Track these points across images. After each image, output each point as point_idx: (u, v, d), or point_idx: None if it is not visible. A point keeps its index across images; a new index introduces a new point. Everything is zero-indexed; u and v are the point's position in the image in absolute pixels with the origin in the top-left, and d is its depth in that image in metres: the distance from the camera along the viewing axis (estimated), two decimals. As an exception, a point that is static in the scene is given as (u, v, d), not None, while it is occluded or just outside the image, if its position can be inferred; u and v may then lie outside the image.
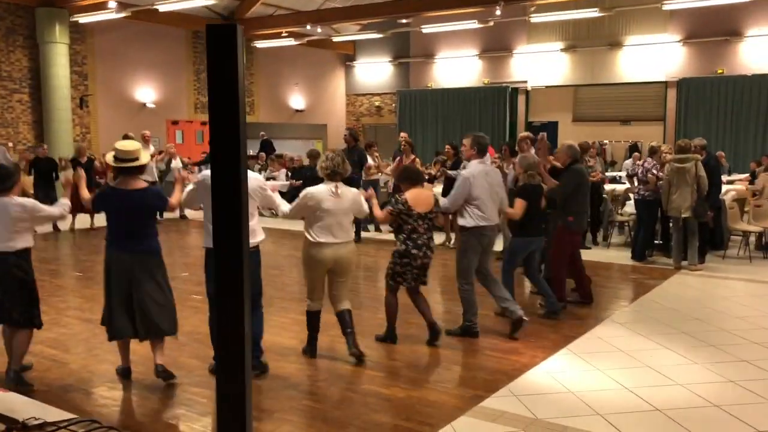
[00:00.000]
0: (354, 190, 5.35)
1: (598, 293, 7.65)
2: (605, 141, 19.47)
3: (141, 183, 4.71)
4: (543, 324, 6.25)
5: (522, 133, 9.89)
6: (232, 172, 1.86)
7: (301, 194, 5.12)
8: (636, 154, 14.36)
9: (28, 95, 15.31)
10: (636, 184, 9.55)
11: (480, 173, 5.69)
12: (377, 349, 5.52)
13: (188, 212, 13.65)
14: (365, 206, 5.36)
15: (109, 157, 4.76)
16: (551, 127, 20.50)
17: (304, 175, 11.43)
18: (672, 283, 8.03)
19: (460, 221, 5.77)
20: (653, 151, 9.57)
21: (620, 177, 14.86)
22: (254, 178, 4.87)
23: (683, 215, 8.63)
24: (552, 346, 5.60)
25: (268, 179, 14.99)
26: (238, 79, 1.80)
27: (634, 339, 5.78)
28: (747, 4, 15.26)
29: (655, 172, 9.07)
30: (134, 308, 4.63)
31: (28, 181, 13.52)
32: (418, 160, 11.61)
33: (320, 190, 5.05)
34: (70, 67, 15.53)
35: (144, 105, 17.66)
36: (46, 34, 14.94)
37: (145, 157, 4.72)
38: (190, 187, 4.94)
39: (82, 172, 5.42)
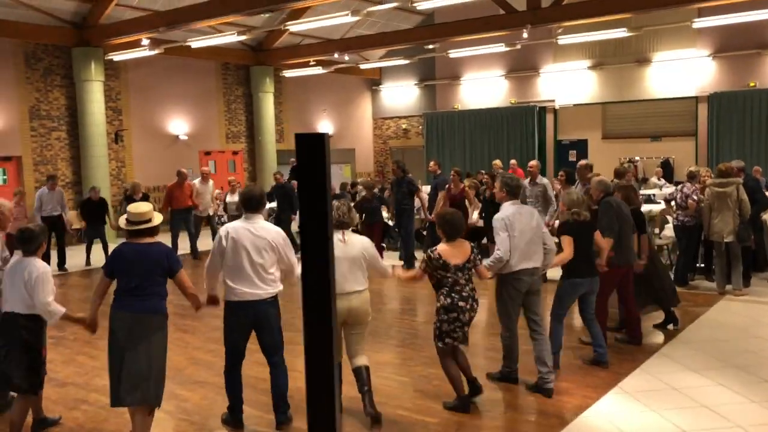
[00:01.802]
0: (364, 238, 5.18)
1: (643, 322, 7.58)
2: (636, 158, 19.32)
3: (151, 239, 4.64)
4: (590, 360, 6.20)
5: (582, 161, 9.75)
6: (322, 263, 1.93)
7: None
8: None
9: (65, 132, 15.67)
10: (675, 209, 9.46)
11: (514, 215, 5.47)
12: (428, 392, 5.52)
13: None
14: (380, 261, 5.22)
15: (122, 222, 4.73)
16: (581, 145, 20.46)
17: (364, 208, 11.27)
18: (718, 310, 7.93)
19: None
20: (692, 176, 9.44)
21: (653, 196, 14.77)
22: (276, 233, 4.92)
23: (726, 240, 8.54)
24: (602, 384, 5.57)
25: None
26: (327, 180, 1.90)
27: (685, 375, 5.72)
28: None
29: (695, 198, 8.97)
30: (127, 370, 4.40)
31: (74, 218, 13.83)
32: (467, 189, 11.61)
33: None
34: (105, 103, 15.87)
35: (177, 137, 17.96)
36: (82, 72, 15.30)
37: (157, 219, 4.72)
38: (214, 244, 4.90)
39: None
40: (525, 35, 15.12)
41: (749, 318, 7.61)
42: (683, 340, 6.77)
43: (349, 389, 5.14)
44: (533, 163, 11.16)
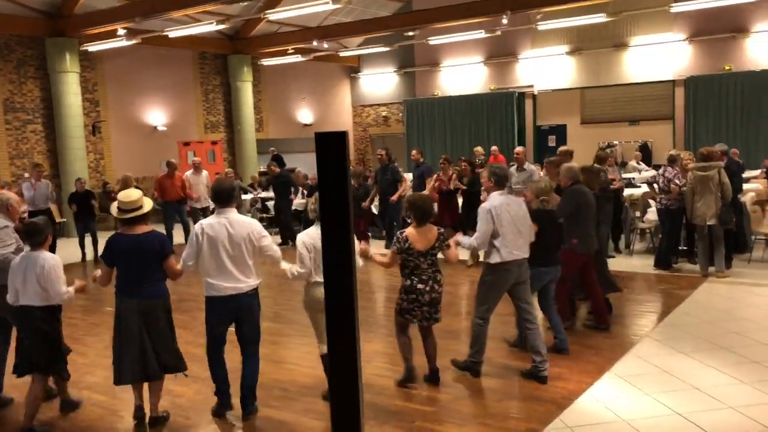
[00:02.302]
0: None
1: (630, 306, 7.71)
2: (615, 142, 19.48)
3: (145, 228, 4.83)
4: (582, 345, 6.28)
5: (562, 148, 9.77)
6: (343, 262, 1.93)
7: (299, 246, 5.02)
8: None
9: (41, 125, 15.40)
10: (657, 193, 9.57)
11: (501, 205, 5.44)
12: (421, 382, 5.55)
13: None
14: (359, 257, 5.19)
15: (113, 209, 4.89)
16: (560, 131, 20.58)
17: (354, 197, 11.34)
18: (702, 292, 8.06)
19: (486, 258, 5.54)
20: (672, 160, 9.56)
21: (634, 180, 14.93)
22: (251, 224, 4.91)
23: (708, 223, 8.66)
24: (596, 369, 5.64)
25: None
26: (348, 179, 1.88)
27: (675, 358, 5.82)
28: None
29: (677, 181, 9.09)
30: (146, 350, 4.71)
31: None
32: (454, 175, 11.65)
33: (315, 236, 4.95)
34: (82, 95, 15.61)
35: (155, 128, 17.75)
36: (57, 63, 15.02)
37: (148, 205, 4.86)
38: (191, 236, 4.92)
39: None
40: (505, 21, 15.17)
41: (733, 300, 7.74)
42: (671, 323, 6.88)
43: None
44: (519, 149, 11.24)
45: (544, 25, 16.07)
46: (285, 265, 5.20)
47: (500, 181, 5.61)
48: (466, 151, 20.21)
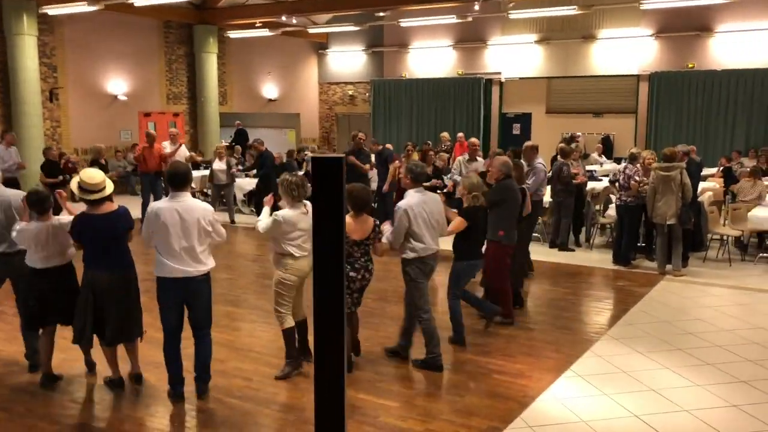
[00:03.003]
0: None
1: (589, 302, 7.86)
2: (578, 133, 19.66)
3: (111, 206, 5.02)
4: (543, 341, 6.38)
5: (527, 143, 9.84)
6: (334, 282, 1.90)
7: (275, 218, 5.24)
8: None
9: (-5, 89, 14.85)
10: (618, 189, 9.72)
11: (418, 203, 5.57)
12: (388, 375, 5.57)
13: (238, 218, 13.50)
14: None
15: (74, 185, 5.05)
16: (525, 119, 20.73)
17: None
18: (659, 291, 8.24)
19: (402, 254, 5.64)
20: (633, 158, 9.70)
21: (595, 172, 15.13)
22: (203, 209, 4.95)
23: (668, 222, 8.83)
24: (556, 367, 5.73)
25: (247, 175, 14.83)
26: (342, 203, 1.85)
27: (634, 358, 5.94)
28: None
29: (637, 178, 9.24)
30: (109, 318, 5.02)
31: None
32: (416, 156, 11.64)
33: (292, 214, 5.26)
34: (39, 59, 15.07)
35: (115, 97, 17.28)
36: (13, 25, 14.45)
37: (109, 187, 5.03)
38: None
39: (63, 193, 5.57)
40: (476, 8, 15.13)
41: (689, 299, 7.94)
42: (629, 322, 7.02)
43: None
44: (475, 140, 11.27)
45: (515, 14, 16.09)
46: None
47: (417, 178, 5.73)
48: (432, 135, 20.21)
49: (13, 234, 5.14)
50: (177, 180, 4.88)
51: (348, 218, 5.29)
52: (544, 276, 8.98)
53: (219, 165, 13.08)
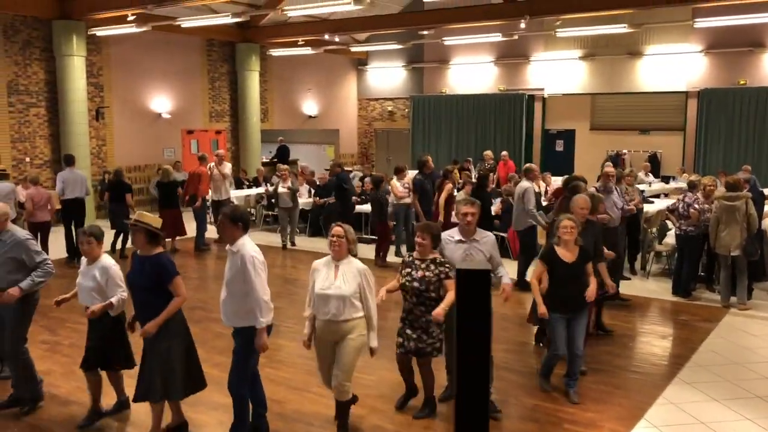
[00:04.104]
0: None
1: (652, 339, 7.56)
2: (624, 150, 19.32)
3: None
4: (610, 385, 6.12)
5: (608, 168, 9.35)
6: (479, 400, 1.77)
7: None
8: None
9: (45, 108, 15.04)
10: (677, 219, 9.38)
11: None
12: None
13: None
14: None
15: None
16: (568, 136, 20.41)
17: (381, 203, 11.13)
18: (725, 327, 7.90)
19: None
20: (693, 186, 9.38)
21: (643, 192, 14.74)
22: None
23: (732, 253, 8.51)
24: (628, 416, 5.48)
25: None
26: (489, 322, 1.71)
27: (710, 407, 5.65)
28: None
29: (697, 206, 8.92)
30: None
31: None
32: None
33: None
34: (87, 79, 15.25)
35: (159, 115, 17.42)
36: (63, 47, 14.64)
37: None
38: None
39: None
40: (523, 26, 14.92)
41: (759, 337, 7.60)
42: (699, 363, 6.72)
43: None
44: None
45: (562, 33, 15.83)
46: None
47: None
48: (472, 151, 20.02)
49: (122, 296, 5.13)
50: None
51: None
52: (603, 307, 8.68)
53: (283, 188, 12.77)
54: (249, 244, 4.67)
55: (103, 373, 5.33)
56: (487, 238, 5.49)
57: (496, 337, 6.97)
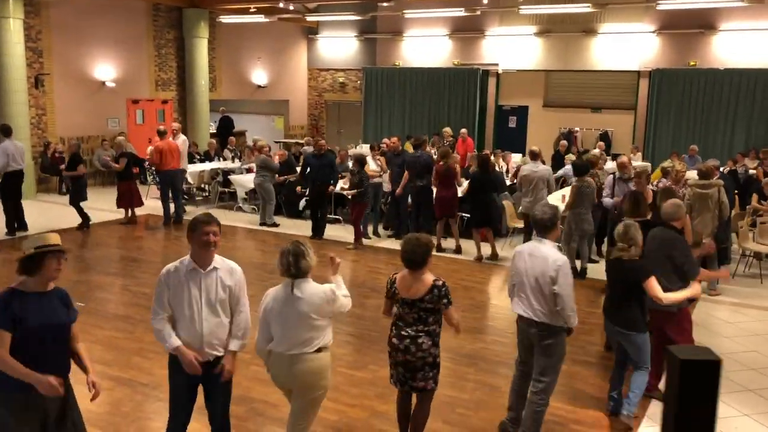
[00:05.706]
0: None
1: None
2: (576, 128, 19.52)
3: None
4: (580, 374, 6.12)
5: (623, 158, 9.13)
6: None
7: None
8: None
9: (-22, 75, 13.97)
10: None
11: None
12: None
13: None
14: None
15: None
16: (521, 112, 20.47)
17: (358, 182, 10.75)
18: (700, 314, 8.04)
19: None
20: (666, 173, 9.49)
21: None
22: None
23: (704, 240, 8.65)
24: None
25: (248, 171, 14.27)
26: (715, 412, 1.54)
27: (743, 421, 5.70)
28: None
29: (671, 192, 9.03)
30: None
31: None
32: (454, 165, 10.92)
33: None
34: (25, 44, 14.22)
35: (103, 83, 16.48)
36: (-1, 8, 13.58)
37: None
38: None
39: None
40: (485, 1, 14.73)
41: (735, 324, 7.77)
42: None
43: None
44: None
45: (526, 10, 15.71)
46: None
47: None
48: (425, 126, 19.85)
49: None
50: None
51: (402, 272, 4.48)
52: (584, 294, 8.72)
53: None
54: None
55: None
56: None
57: (490, 329, 6.92)
